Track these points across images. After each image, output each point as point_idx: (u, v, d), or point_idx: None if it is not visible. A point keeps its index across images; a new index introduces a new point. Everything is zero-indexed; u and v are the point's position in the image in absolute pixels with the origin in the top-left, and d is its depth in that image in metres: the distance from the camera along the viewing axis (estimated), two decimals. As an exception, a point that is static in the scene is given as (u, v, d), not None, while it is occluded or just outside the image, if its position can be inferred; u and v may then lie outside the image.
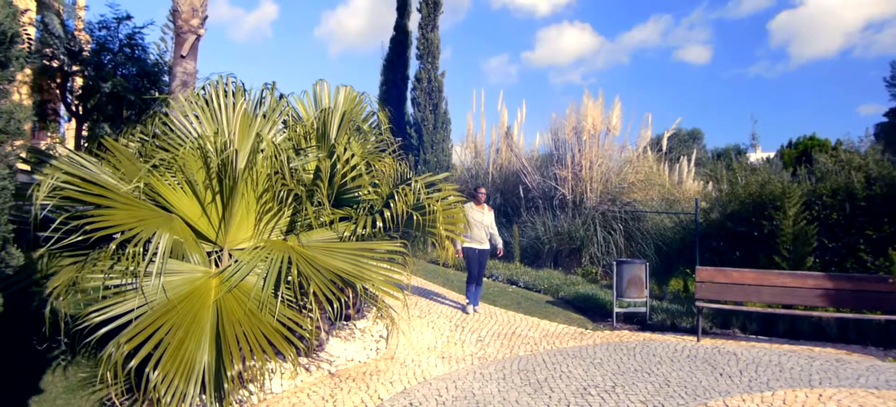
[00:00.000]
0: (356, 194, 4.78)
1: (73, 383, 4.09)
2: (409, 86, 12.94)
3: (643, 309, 7.16)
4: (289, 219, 4.31)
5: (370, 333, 6.11)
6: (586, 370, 5.03)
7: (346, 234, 4.27)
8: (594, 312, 7.61)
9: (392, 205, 4.21)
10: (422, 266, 11.22)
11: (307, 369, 4.85)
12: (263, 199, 4.16)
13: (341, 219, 4.54)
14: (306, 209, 4.16)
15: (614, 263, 7.28)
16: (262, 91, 4.89)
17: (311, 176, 4.71)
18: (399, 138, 12.11)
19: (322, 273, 3.67)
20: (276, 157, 4.17)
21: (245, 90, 4.71)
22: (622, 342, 6.15)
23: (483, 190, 7.44)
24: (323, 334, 5.43)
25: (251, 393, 4.19)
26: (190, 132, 4.35)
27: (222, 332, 3.28)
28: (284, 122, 5.49)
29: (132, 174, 3.76)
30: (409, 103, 12.78)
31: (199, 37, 7.32)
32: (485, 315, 7.31)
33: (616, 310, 7.15)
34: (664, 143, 11.72)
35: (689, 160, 11.52)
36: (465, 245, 7.03)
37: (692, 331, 6.61)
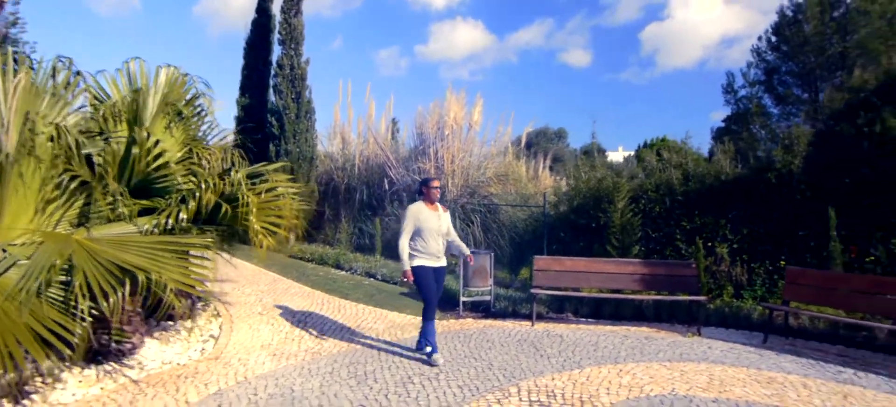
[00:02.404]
0: (166, 184, 4.40)
1: None
2: (272, 72, 12.34)
3: (488, 297, 7.43)
4: (79, 210, 3.85)
5: (198, 334, 5.69)
6: (417, 359, 5.09)
7: (146, 227, 3.89)
8: (444, 302, 7.75)
9: (199, 195, 3.91)
10: (279, 260, 10.78)
11: (110, 375, 4.39)
12: (47, 187, 3.67)
13: (149, 210, 4.14)
14: (98, 199, 3.73)
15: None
16: (54, 65, 4.32)
17: (114, 163, 4.25)
18: (248, 125, 11.52)
19: (105, 268, 3.30)
20: (58, 139, 3.68)
21: (32, 62, 4.13)
22: (463, 330, 6.33)
23: (436, 183, 5.23)
24: (136, 337, 4.95)
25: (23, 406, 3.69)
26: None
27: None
28: (94, 103, 4.93)
29: None
30: (271, 91, 12.17)
31: (3, 3, 6.40)
32: (333, 309, 7.16)
33: (462, 299, 7.35)
34: (523, 139, 12.31)
35: (545, 157, 12.23)
36: (418, 263, 4.96)
37: (530, 316, 6.98)
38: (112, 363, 4.64)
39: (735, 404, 4.11)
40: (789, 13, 19.37)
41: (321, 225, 12.71)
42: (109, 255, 3.49)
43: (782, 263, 7.38)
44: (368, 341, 5.75)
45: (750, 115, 20.30)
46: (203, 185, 3.97)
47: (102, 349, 4.65)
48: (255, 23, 13.11)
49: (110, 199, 3.88)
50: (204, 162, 4.98)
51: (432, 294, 4.98)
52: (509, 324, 6.71)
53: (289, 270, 9.79)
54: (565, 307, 7.33)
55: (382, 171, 11.65)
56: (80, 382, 4.21)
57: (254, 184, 4.75)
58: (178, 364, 4.86)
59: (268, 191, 4.65)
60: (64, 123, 3.89)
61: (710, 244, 8.01)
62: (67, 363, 4.31)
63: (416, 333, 6.10)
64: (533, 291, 6.85)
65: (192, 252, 4.17)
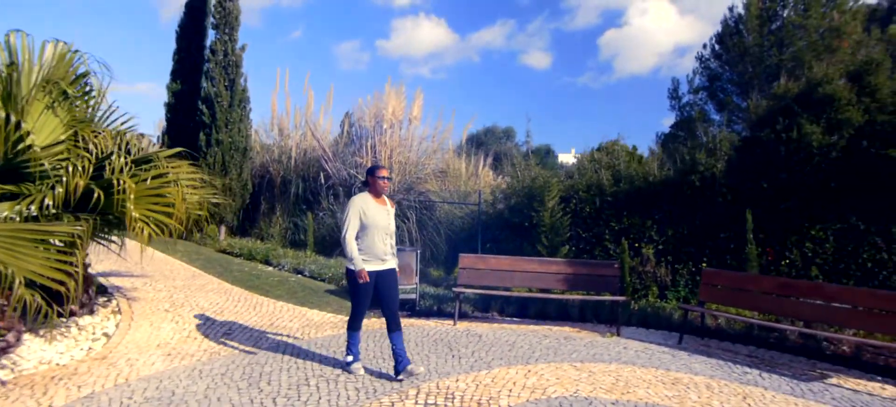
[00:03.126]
0: (34, 169, 4.01)
1: None
2: (205, 58, 11.79)
3: (413, 296, 7.26)
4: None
5: (90, 331, 5.28)
6: (321, 360, 4.86)
7: (6, 214, 3.53)
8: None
9: (66, 180, 3.57)
10: (205, 255, 10.32)
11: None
12: None
13: (10, 195, 3.76)
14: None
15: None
16: None
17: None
18: (179, 112, 10.93)
19: None
20: None
21: None
22: (379, 329, 6.13)
23: (385, 171, 4.55)
24: (10, 335, 4.53)
25: None
26: None
27: None
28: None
29: None
30: (203, 77, 11.63)
31: None
32: (248, 306, 6.84)
33: (387, 297, 7.15)
34: (464, 135, 12.21)
35: (486, 155, 12.17)
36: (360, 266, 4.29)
37: (453, 316, 6.84)
38: (-25, 363, 4.22)
39: (634, 405, 4.07)
40: (731, 23, 20.01)
41: (256, 219, 12.27)
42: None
43: (704, 264, 7.51)
44: (277, 340, 5.47)
45: (693, 121, 20.90)
46: (71, 169, 3.62)
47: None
48: (188, 5, 12.48)
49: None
50: (90, 146, 4.60)
51: (364, 303, 4.43)
52: (432, 323, 6.56)
53: (212, 265, 9.35)
54: (491, 306, 7.24)
55: (319, 165, 11.32)
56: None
57: (143, 171, 4.41)
58: (57, 364, 4.47)
59: (156, 177, 4.31)
60: None
61: (636, 245, 8.09)
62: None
63: (332, 332, 5.87)
64: (455, 289, 6.71)
65: (39, 240, 3.81)
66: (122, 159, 3.96)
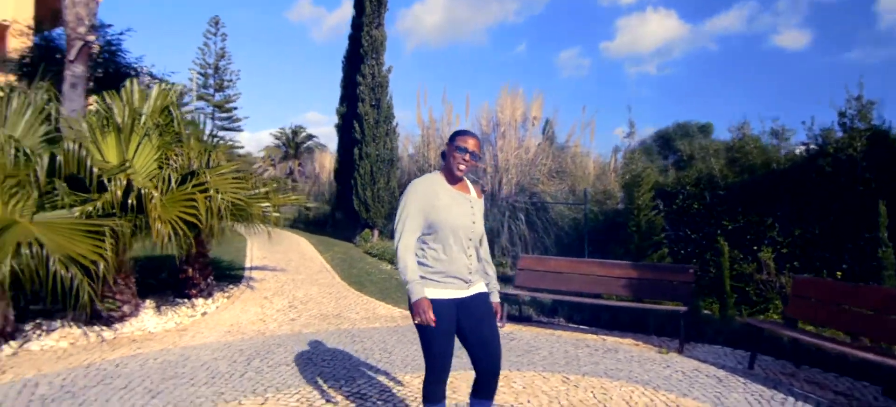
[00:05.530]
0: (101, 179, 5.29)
1: None
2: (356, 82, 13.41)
3: (480, 296, 7.23)
4: (35, 201, 4.93)
5: (195, 310, 6.66)
6: (331, 352, 5.31)
7: (77, 212, 4.85)
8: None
9: (112, 189, 4.75)
10: (353, 254, 11.71)
11: (86, 335, 5.46)
12: (8, 185, 4.80)
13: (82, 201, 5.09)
14: (32, 193, 4.77)
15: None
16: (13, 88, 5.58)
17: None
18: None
19: (40, 244, 4.26)
20: (17, 152, 4.81)
21: (14, 90, 5.40)
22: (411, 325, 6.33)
23: (468, 140, 2.63)
24: (127, 306, 6.04)
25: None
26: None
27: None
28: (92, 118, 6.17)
29: None
30: (357, 99, 13.24)
31: (86, 43, 8.21)
32: (331, 298, 7.68)
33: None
34: (631, 135, 11.40)
35: (616, 155, 11.24)
36: (428, 292, 2.51)
37: (516, 318, 6.64)
38: (102, 325, 5.75)
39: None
40: None
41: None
42: (38, 233, 4.47)
43: (839, 273, 5.84)
44: (323, 327, 6.11)
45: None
46: (123, 181, 4.80)
47: (98, 313, 5.80)
48: (350, 38, 14.40)
49: (57, 191, 4.90)
50: (172, 161, 5.90)
51: (442, 353, 2.56)
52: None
53: (343, 263, 10.62)
54: (547, 310, 6.82)
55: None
56: (63, 336, 5.35)
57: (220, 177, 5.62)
58: (149, 332, 5.81)
59: (198, 186, 5.35)
60: (24, 141, 5.04)
61: (755, 247, 6.66)
62: (68, 320, 5.53)
63: (379, 325, 6.29)
64: (512, 292, 6.51)
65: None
66: (166, 174, 5.05)
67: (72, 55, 8.12)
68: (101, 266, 4.48)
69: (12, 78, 12.17)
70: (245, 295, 7.64)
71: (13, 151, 4.72)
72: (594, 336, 5.98)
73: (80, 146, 4.98)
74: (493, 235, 10.15)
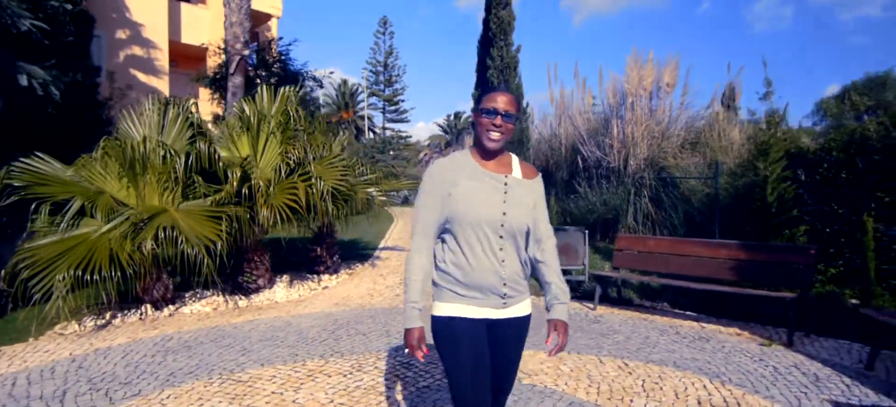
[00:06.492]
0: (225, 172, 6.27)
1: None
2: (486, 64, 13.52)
3: (581, 277, 6.98)
4: (180, 191, 6.08)
5: (314, 285, 7.56)
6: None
7: (210, 200, 5.88)
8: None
9: (230, 182, 5.69)
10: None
11: (226, 302, 6.59)
12: (162, 179, 6.01)
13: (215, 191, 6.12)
14: (176, 186, 5.89)
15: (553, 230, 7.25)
16: (176, 101, 6.78)
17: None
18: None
19: (179, 227, 5.36)
20: (165, 154, 5.97)
21: (166, 103, 6.64)
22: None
23: (502, 98, 1.95)
24: (261, 280, 7.12)
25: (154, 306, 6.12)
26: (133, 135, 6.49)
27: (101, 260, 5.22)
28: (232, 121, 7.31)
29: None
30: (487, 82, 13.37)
31: (242, 57, 9.73)
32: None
33: (554, 277, 7.14)
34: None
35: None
36: (442, 310, 1.97)
37: (615, 300, 6.34)
38: (241, 295, 6.88)
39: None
40: None
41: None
42: (176, 217, 5.57)
43: None
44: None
45: None
46: (238, 173, 5.72)
47: (238, 285, 6.97)
48: (483, 21, 14.53)
49: (187, 185, 6.01)
50: (290, 154, 6.77)
51: (466, 383, 1.92)
52: (573, 305, 6.31)
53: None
54: (653, 294, 6.29)
55: (576, 150, 11.44)
56: (209, 303, 6.54)
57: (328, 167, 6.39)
58: (275, 301, 6.79)
59: (302, 175, 6.10)
60: (174, 144, 6.22)
61: (921, 225, 5.37)
62: (217, 290, 6.75)
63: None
64: (604, 274, 6.21)
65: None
66: (275, 164, 5.85)
67: (231, 69, 9.68)
68: (219, 245, 5.37)
69: (207, 90, 14.89)
70: (365, 272, 8.42)
71: (161, 152, 5.88)
72: (692, 323, 5.44)
73: (209, 145, 5.99)
74: (617, 214, 9.62)
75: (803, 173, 6.45)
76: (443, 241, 2.03)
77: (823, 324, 5.05)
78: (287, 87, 7.33)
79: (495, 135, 1.96)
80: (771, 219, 6.08)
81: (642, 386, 3.74)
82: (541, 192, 2.13)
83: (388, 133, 40.08)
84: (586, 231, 7.05)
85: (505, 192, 1.99)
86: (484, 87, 13.91)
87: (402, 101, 40.46)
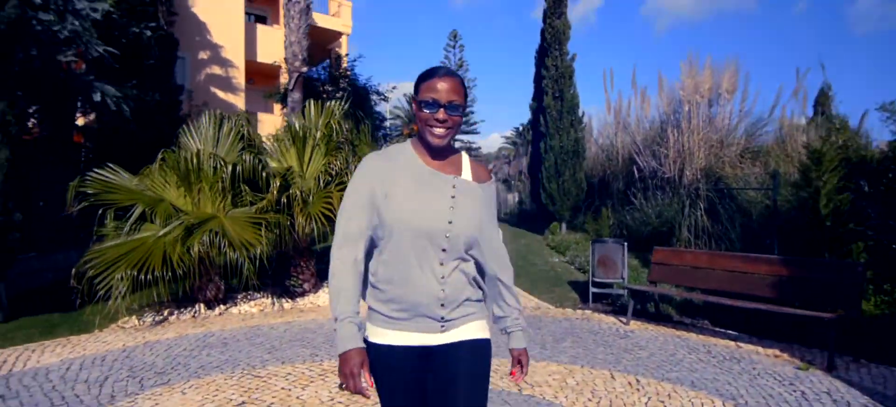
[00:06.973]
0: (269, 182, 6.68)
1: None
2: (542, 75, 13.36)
3: (621, 291, 6.78)
4: (230, 199, 6.56)
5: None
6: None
7: (255, 208, 6.32)
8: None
9: (270, 191, 6.09)
10: (527, 243, 11.93)
11: (272, 304, 7.01)
12: (214, 188, 6.52)
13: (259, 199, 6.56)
14: (226, 194, 6.37)
15: (592, 242, 7.11)
16: (231, 116, 7.30)
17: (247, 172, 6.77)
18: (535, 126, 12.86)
19: (225, 231, 5.84)
20: (216, 166, 6.48)
21: (224, 118, 7.18)
22: (540, 316, 6.32)
23: (441, 83, 1.57)
24: (307, 285, 7.51)
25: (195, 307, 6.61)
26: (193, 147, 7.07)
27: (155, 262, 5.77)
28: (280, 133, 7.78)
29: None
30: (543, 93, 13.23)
31: (300, 74, 10.33)
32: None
33: (592, 290, 7.00)
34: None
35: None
36: (375, 336, 1.60)
37: (653, 316, 6.13)
38: (288, 298, 7.29)
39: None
40: None
41: (597, 214, 12.98)
42: (224, 223, 6.04)
43: None
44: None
45: None
46: (278, 183, 6.12)
47: (286, 289, 7.39)
48: (541, 32, 14.43)
49: (235, 195, 6.47)
50: (332, 165, 7.12)
51: None
52: (603, 318, 6.17)
53: (513, 254, 10.90)
54: (685, 309, 6.02)
55: (632, 160, 11.07)
56: (257, 305, 6.99)
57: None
58: (315, 305, 7.14)
59: (339, 184, 6.41)
60: (227, 156, 6.73)
61: None
62: (262, 293, 7.21)
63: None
64: (639, 288, 6.01)
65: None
66: (314, 174, 6.21)
67: (291, 85, 10.31)
68: (259, 249, 5.76)
69: (279, 106, 15.86)
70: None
71: (212, 163, 6.40)
72: (729, 342, 5.14)
73: (255, 156, 6.45)
74: (667, 224, 9.23)
75: (866, 184, 5.93)
76: (372, 253, 1.66)
77: (877, 349, 4.62)
78: (332, 103, 7.71)
79: (439, 131, 1.59)
80: (825, 233, 5.64)
81: (646, 404, 3.62)
82: (492, 197, 1.76)
83: (457, 145, 40.51)
84: (625, 243, 6.86)
85: (452, 198, 1.62)
86: (539, 97, 13.83)
87: (472, 112, 40.82)
